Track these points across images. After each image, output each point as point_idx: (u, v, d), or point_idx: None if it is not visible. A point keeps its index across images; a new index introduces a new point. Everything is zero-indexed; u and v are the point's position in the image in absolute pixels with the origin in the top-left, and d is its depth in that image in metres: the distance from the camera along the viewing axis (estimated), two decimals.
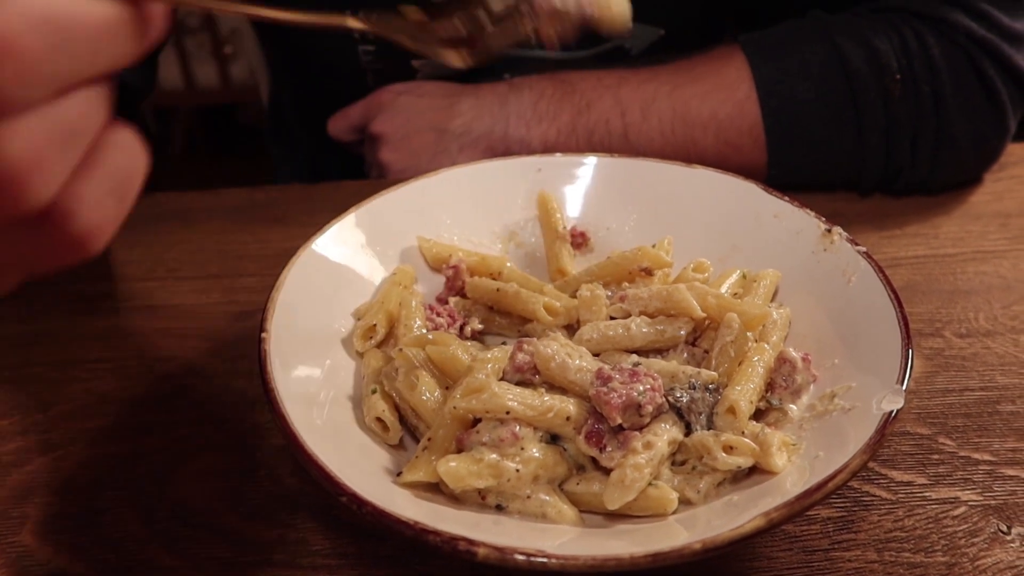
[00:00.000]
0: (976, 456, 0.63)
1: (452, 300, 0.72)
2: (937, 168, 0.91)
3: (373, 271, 0.72)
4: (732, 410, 0.56)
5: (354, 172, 1.09)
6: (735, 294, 0.68)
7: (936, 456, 0.63)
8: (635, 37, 1.08)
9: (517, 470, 0.54)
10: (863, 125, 0.90)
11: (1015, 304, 0.77)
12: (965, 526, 0.58)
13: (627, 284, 0.68)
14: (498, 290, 0.69)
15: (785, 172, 0.93)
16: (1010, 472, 0.61)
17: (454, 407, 0.56)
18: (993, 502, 0.59)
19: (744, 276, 0.70)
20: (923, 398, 0.68)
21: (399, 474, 0.56)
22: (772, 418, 0.60)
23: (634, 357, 0.58)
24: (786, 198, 0.73)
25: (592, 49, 1.09)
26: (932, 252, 0.85)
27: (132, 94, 0.91)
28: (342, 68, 1.08)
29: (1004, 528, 0.58)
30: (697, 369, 0.59)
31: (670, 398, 0.56)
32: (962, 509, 0.59)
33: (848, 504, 0.59)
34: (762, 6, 1.09)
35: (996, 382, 0.69)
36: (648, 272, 0.69)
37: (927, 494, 0.60)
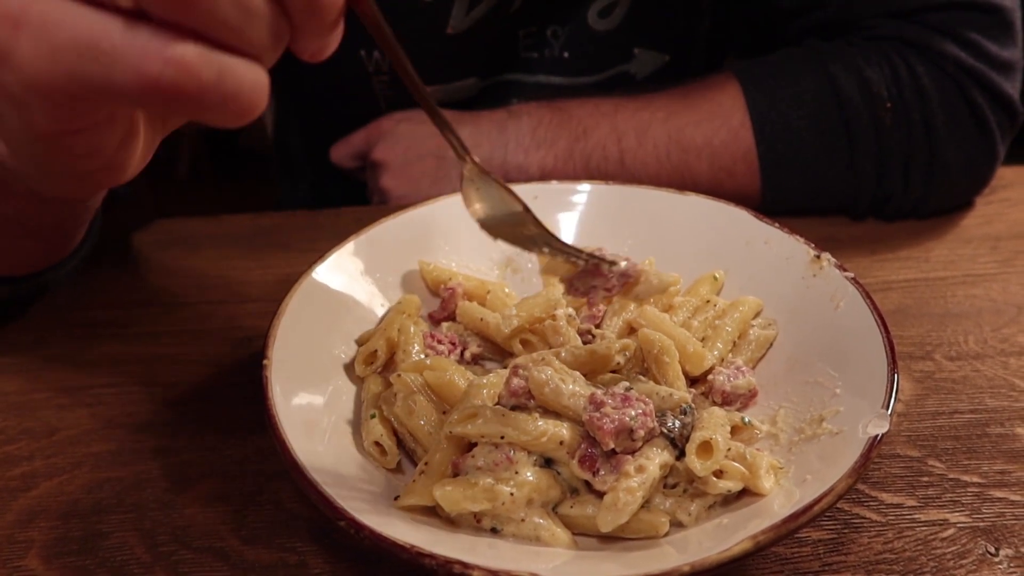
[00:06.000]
0: (965, 478, 0.64)
1: (444, 325, 0.73)
2: (928, 194, 0.93)
3: (373, 298, 0.74)
4: (707, 446, 0.57)
5: (357, 198, 1.11)
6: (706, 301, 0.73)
7: (926, 478, 0.64)
8: (641, 63, 1.10)
9: (511, 493, 0.55)
10: (855, 152, 0.91)
11: (1005, 327, 0.79)
12: (954, 548, 0.59)
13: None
14: (481, 319, 0.71)
15: (778, 198, 0.94)
16: (998, 494, 0.62)
17: (450, 432, 0.57)
18: (982, 524, 0.60)
19: (715, 278, 0.74)
20: (913, 420, 0.69)
21: (397, 498, 0.57)
22: (745, 436, 0.61)
23: (625, 382, 0.60)
24: (776, 224, 0.74)
25: (598, 75, 1.11)
26: (923, 275, 0.86)
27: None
28: (357, 96, 1.14)
29: (992, 550, 0.58)
30: (669, 390, 0.60)
31: (663, 429, 0.57)
32: (951, 531, 0.60)
33: (838, 526, 0.60)
34: (759, 34, 1.11)
35: (985, 405, 0.70)
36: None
37: (916, 516, 0.61)
